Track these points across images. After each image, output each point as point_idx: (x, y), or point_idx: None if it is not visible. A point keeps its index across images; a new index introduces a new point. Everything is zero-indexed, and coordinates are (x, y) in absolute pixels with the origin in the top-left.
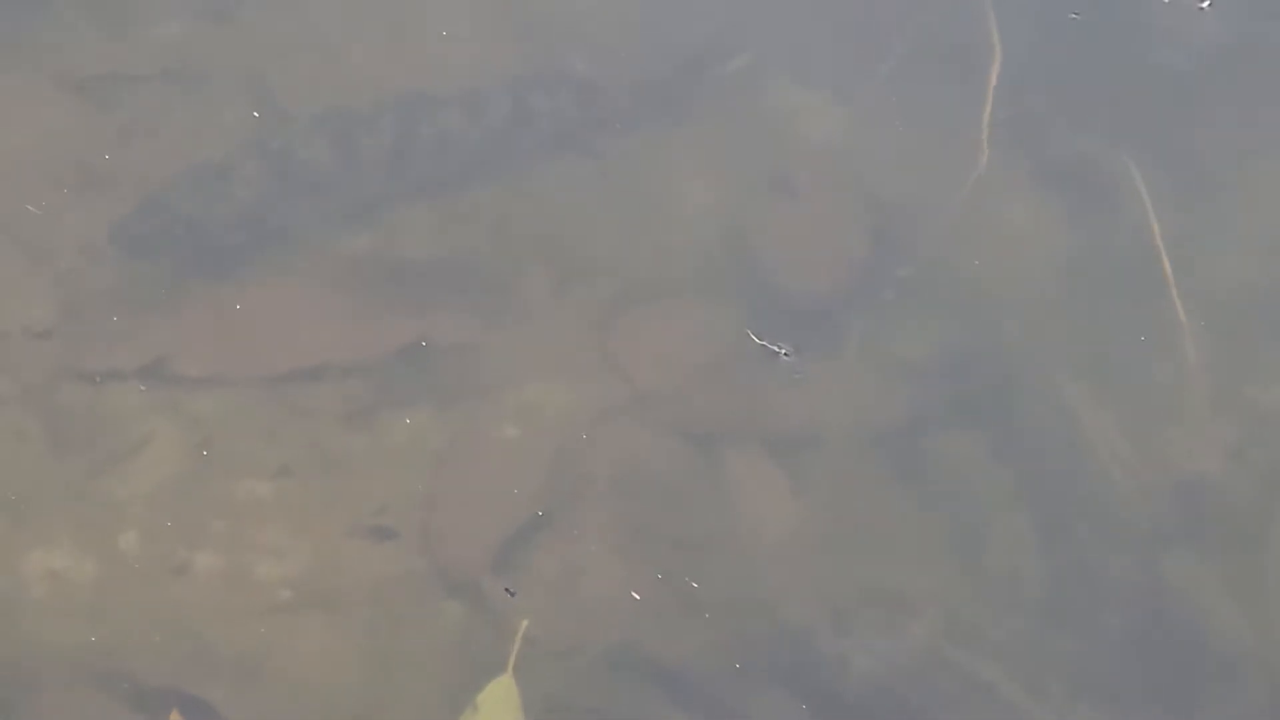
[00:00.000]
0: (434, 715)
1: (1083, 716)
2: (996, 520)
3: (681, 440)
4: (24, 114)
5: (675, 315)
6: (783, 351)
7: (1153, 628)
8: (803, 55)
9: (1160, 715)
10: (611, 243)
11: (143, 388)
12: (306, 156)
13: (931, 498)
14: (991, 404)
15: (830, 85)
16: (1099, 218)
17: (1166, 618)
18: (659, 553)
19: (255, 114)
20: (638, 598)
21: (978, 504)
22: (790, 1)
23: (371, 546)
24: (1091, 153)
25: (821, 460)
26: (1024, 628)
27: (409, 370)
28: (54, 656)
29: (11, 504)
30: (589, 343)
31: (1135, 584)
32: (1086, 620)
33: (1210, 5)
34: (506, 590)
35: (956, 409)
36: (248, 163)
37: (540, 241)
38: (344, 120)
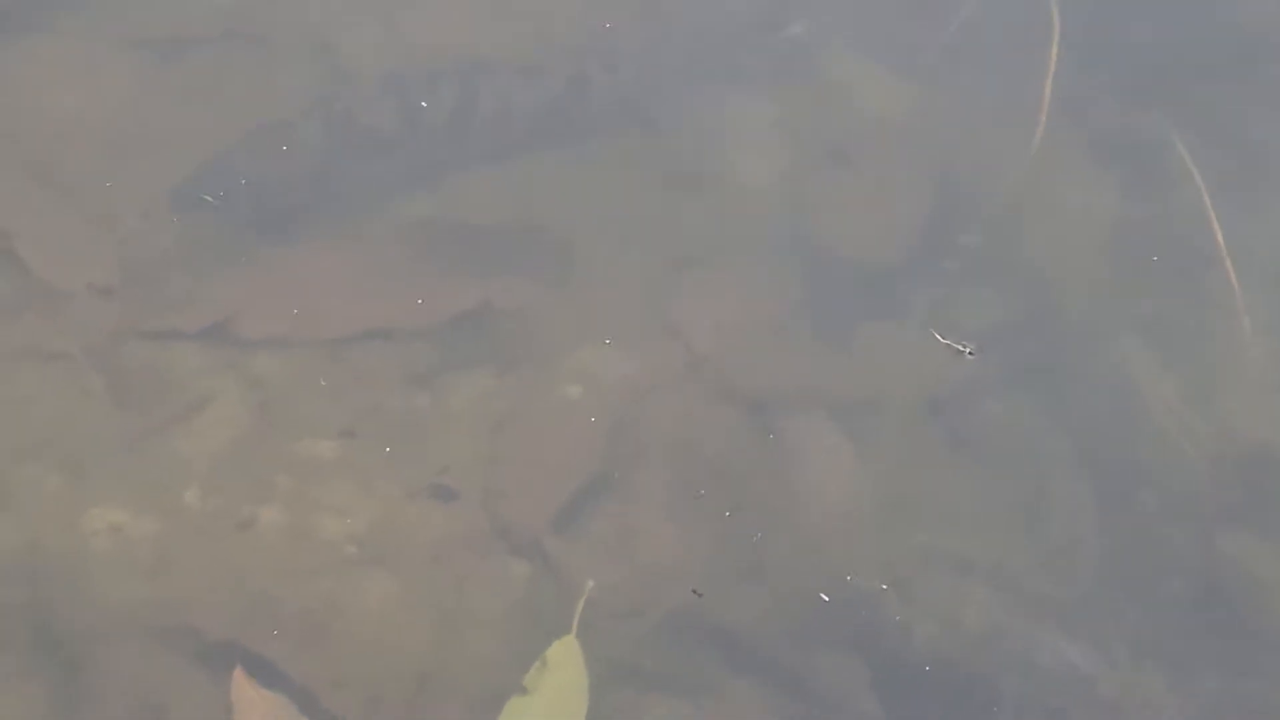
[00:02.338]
0: (497, 673)
1: (1148, 681)
2: (1057, 487)
3: (742, 406)
4: (88, 76)
5: (734, 282)
6: (968, 350)
7: (1214, 595)
8: (861, 25)
9: (1223, 682)
10: (671, 210)
11: (205, 348)
12: (369, 120)
13: (992, 465)
14: (1051, 373)
15: (888, 55)
16: (1155, 190)
17: (1227, 585)
18: (720, 516)
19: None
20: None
21: (1038, 471)
22: None
23: (434, 506)
24: (1148, 126)
25: (882, 427)
26: (1087, 593)
27: (471, 334)
28: (118, 612)
29: (75, 461)
30: (649, 308)
31: (1196, 551)
32: (1149, 587)
33: None
34: (695, 592)
35: (1015, 378)
36: (310, 125)
37: (600, 208)
38: (407, 84)
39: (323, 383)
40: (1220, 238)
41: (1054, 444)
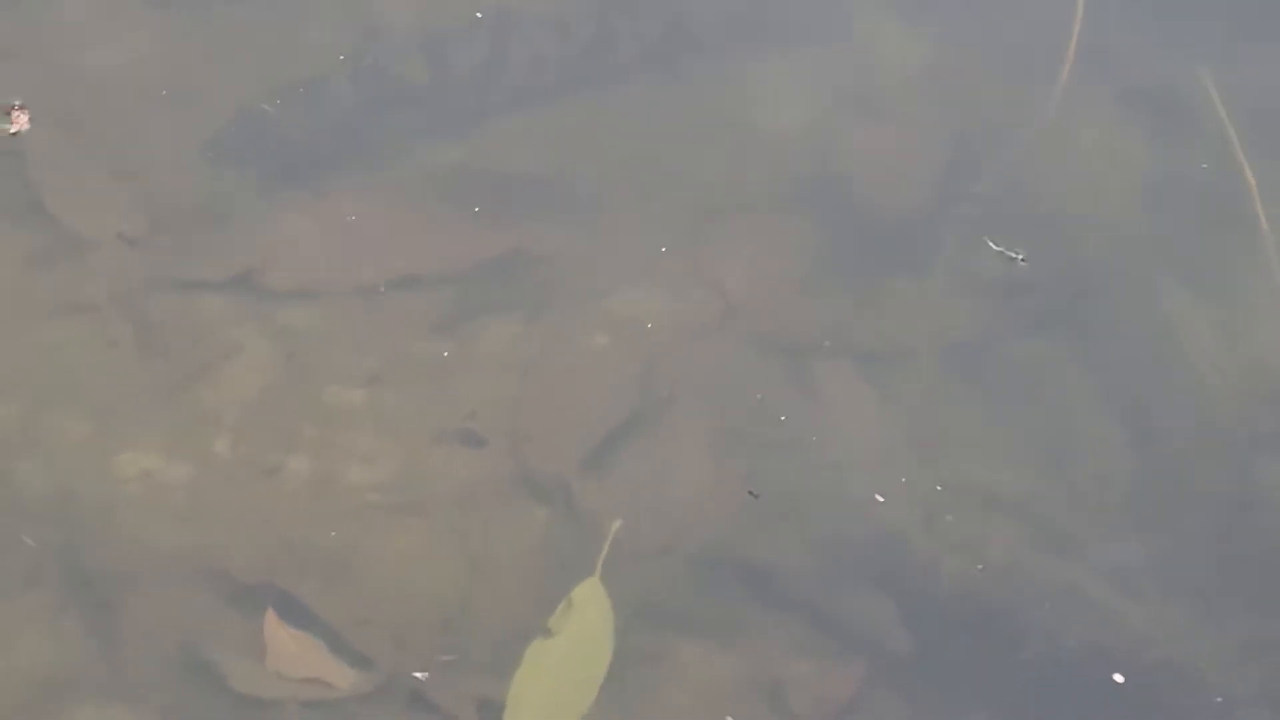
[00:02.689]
0: (524, 614)
1: (1174, 616)
2: (1085, 425)
3: (770, 351)
4: (116, 31)
5: (763, 229)
6: (1020, 258)
7: (1244, 530)
8: None
9: (1253, 618)
10: (699, 158)
11: (232, 298)
12: (398, 71)
13: (1019, 405)
14: (1078, 315)
15: (911, 6)
16: (1181, 134)
17: (1258, 520)
18: (747, 457)
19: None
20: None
21: (1066, 410)
22: None
23: (460, 451)
24: (1173, 72)
25: (910, 371)
26: (1114, 529)
27: (499, 280)
28: (150, 556)
29: (104, 408)
30: (678, 254)
31: (1226, 487)
32: (1177, 523)
33: None
34: (751, 493)
35: (1042, 320)
36: (339, 78)
37: (630, 156)
38: (435, 36)
39: (351, 331)
40: (1252, 179)
41: (1082, 384)
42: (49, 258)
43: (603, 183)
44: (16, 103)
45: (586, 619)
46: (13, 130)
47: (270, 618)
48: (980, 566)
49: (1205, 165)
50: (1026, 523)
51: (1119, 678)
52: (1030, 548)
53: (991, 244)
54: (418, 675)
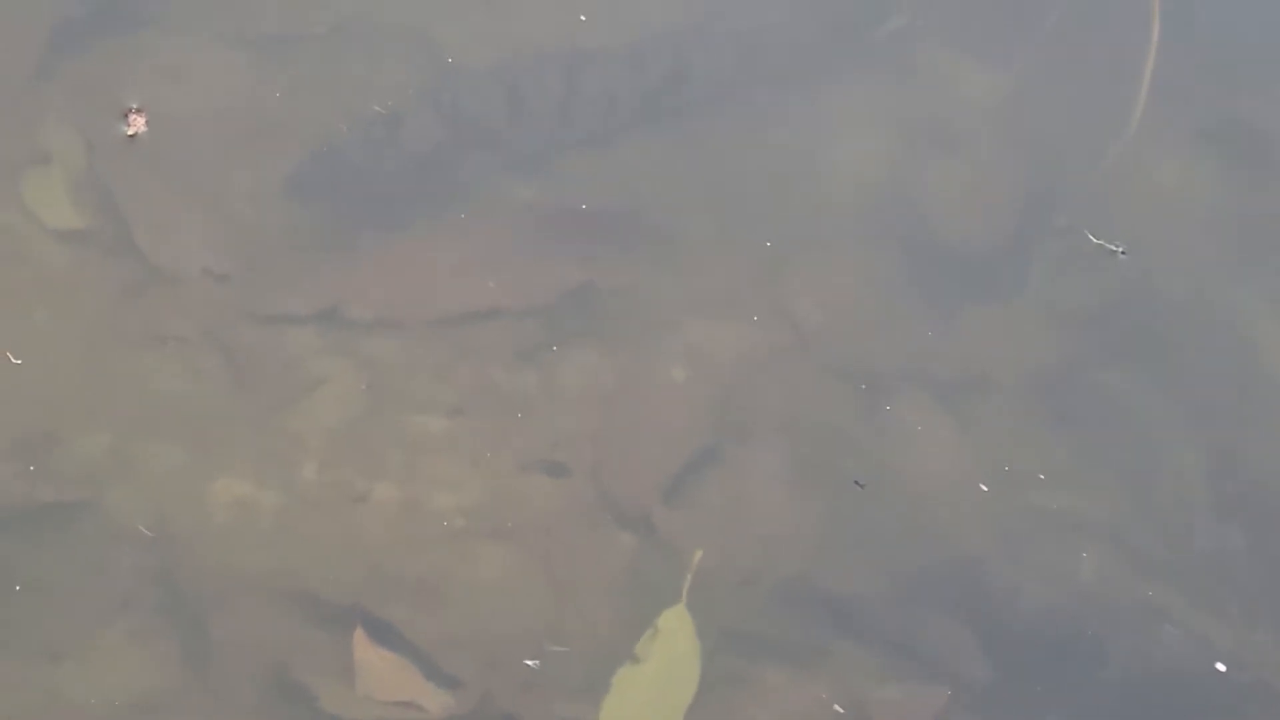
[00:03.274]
0: (609, 640)
1: (1260, 640)
2: (1168, 451)
3: (847, 381)
4: (202, 70)
5: (839, 261)
6: (1120, 250)
7: None
8: (961, 14)
9: None
10: (775, 191)
11: (317, 331)
12: (475, 108)
13: (1101, 433)
14: (1158, 344)
15: (989, 43)
16: (1254, 172)
17: None
18: (827, 487)
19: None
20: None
21: (1149, 437)
22: None
23: (543, 480)
24: (1246, 109)
25: (988, 400)
26: (1198, 554)
27: (578, 312)
28: (241, 578)
29: (195, 437)
30: (754, 286)
31: None
32: (1261, 547)
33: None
34: (857, 483)
35: (1121, 350)
36: (417, 114)
37: (706, 189)
38: (511, 73)
39: (433, 363)
40: None
41: (1165, 412)
42: (139, 291)
43: (679, 215)
44: (134, 105)
45: (673, 645)
46: (130, 132)
47: (360, 640)
48: (1063, 589)
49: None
50: (1109, 546)
51: (1221, 666)
52: (1114, 570)
53: (1092, 237)
54: (529, 663)
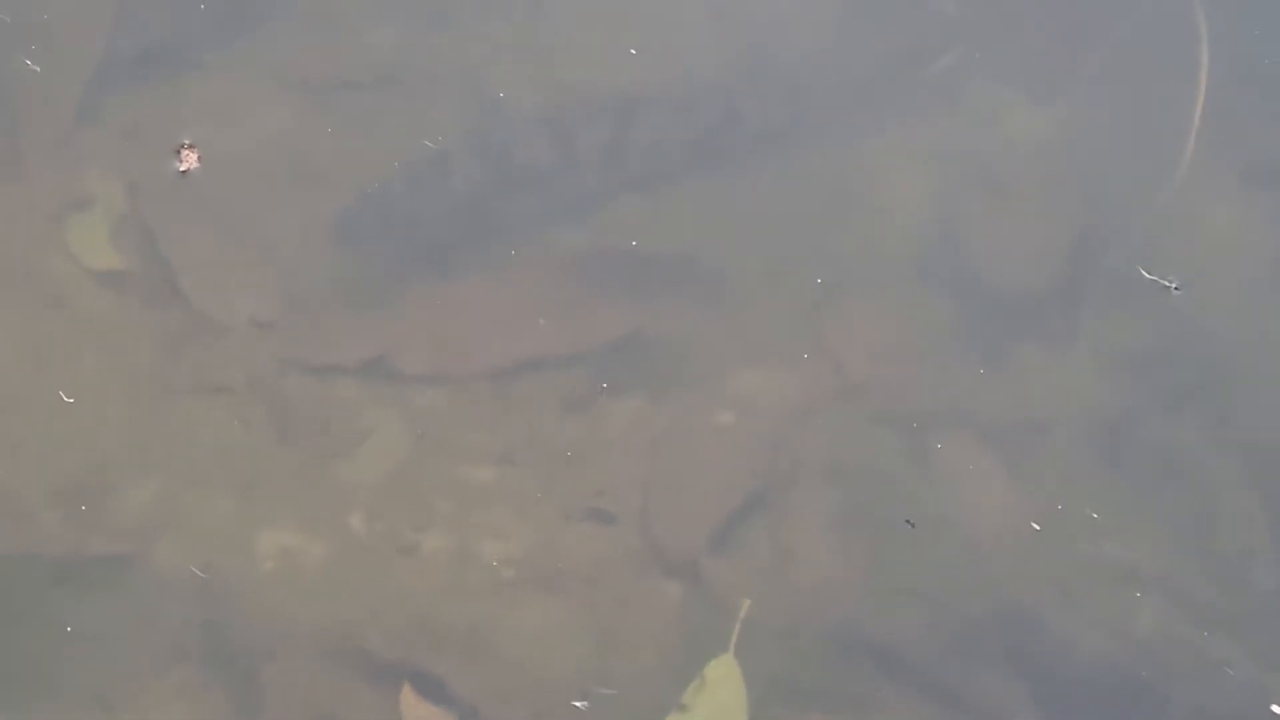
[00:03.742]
0: (658, 690)
1: None
2: (1225, 500)
3: (895, 428)
4: (249, 116)
5: (886, 305)
6: (1174, 286)
7: None
8: (1010, 54)
9: None
10: (822, 235)
11: (364, 382)
12: (523, 154)
13: (1156, 481)
14: (1212, 391)
15: (1037, 83)
16: None
17: None
18: (876, 535)
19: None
20: None
21: (1204, 485)
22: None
23: (591, 529)
24: None
25: (1039, 446)
26: (1256, 605)
27: (625, 360)
28: (290, 629)
29: (242, 487)
30: (801, 332)
31: None
32: None
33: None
34: (908, 522)
35: (1175, 396)
36: (465, 160)
37: (752, 234)
38: (559, 119)
39: (481, 411)
40: None
41: (1218, 461)
42: (185, 340)
43: (725, 261)
44: (186, 142)
45: (720, 696)
46: (183, 169)
47: (407, 692)
48: (1117, 638)
49: None
50: (1166, 597)
51: (1276, 709)
52: (1171, 621)
53: (1144, 272)
54: (577, 704)
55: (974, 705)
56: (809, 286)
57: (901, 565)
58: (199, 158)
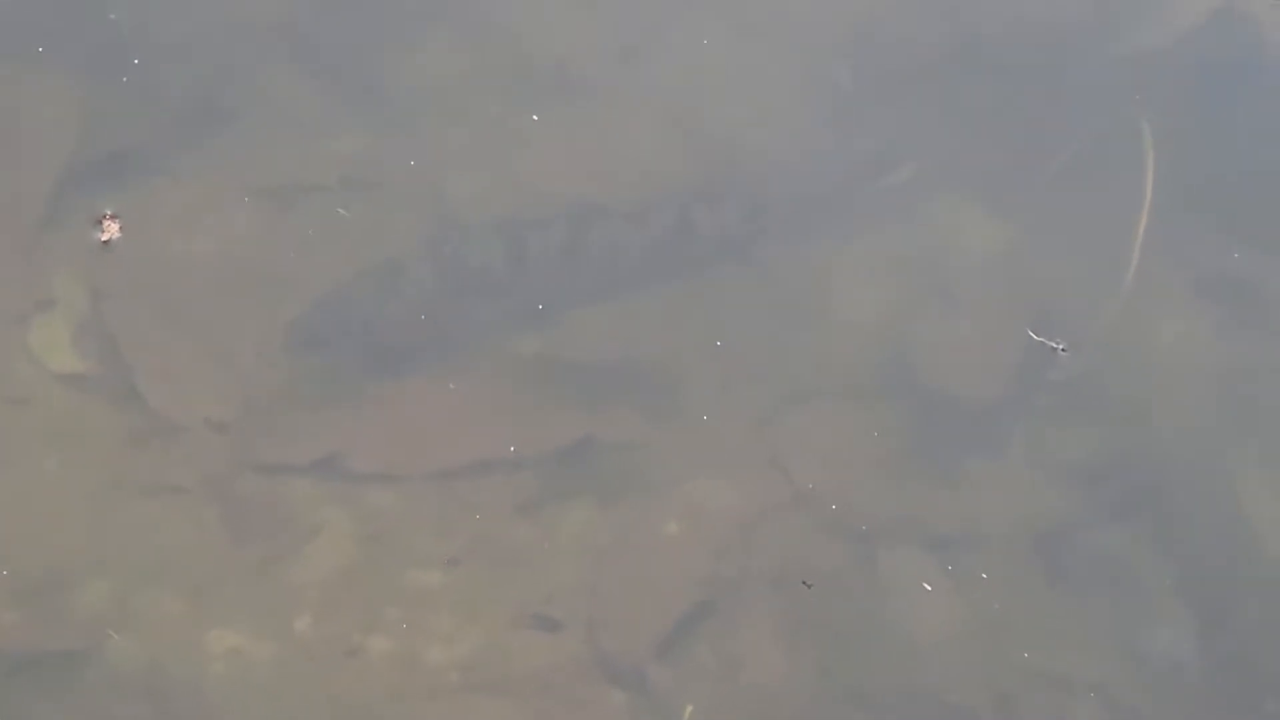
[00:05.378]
0: None
1: None
2: (1158, 611)
3: (842, 538)
4: (209, 220)
5: (836, 416)
6: (1060, 348)
7: None
8: (962, 169)
9: None
10: (774, 347)
11: (315, 481)
12: (478, 261)
13: (1092, 591)
14: (1150, 503)
15: (988, 197)
16: (1252, 329)
17: None
18: (820, 644)
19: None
20: None
21: (1139, 596)
22: (949, 118)
23: (538, 635)
24: (1244, 265)
25: (981, 557)
26: (1188, 714)
27: (575, 466)
28: None
29: (193, 587)
30: (751, 442)
31: None
32: (1250, 708)
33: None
34: (804, 583)
35: (1115, 508)
36: (421, 266)
37: (704, 345)
38: (515, 227)
39: (431, 514)
40: None
41: (1155, 573)
42: (141, 439)
43: (677, 370)
44: (108, 212)
45: None
46: (104, 238)
47: None
48: None
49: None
50: (1100, 705)
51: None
52: None
53: (1032, 334)
54: None
55: None
56: (760, 396)
57: (846, 671)
58: (120, 227)
